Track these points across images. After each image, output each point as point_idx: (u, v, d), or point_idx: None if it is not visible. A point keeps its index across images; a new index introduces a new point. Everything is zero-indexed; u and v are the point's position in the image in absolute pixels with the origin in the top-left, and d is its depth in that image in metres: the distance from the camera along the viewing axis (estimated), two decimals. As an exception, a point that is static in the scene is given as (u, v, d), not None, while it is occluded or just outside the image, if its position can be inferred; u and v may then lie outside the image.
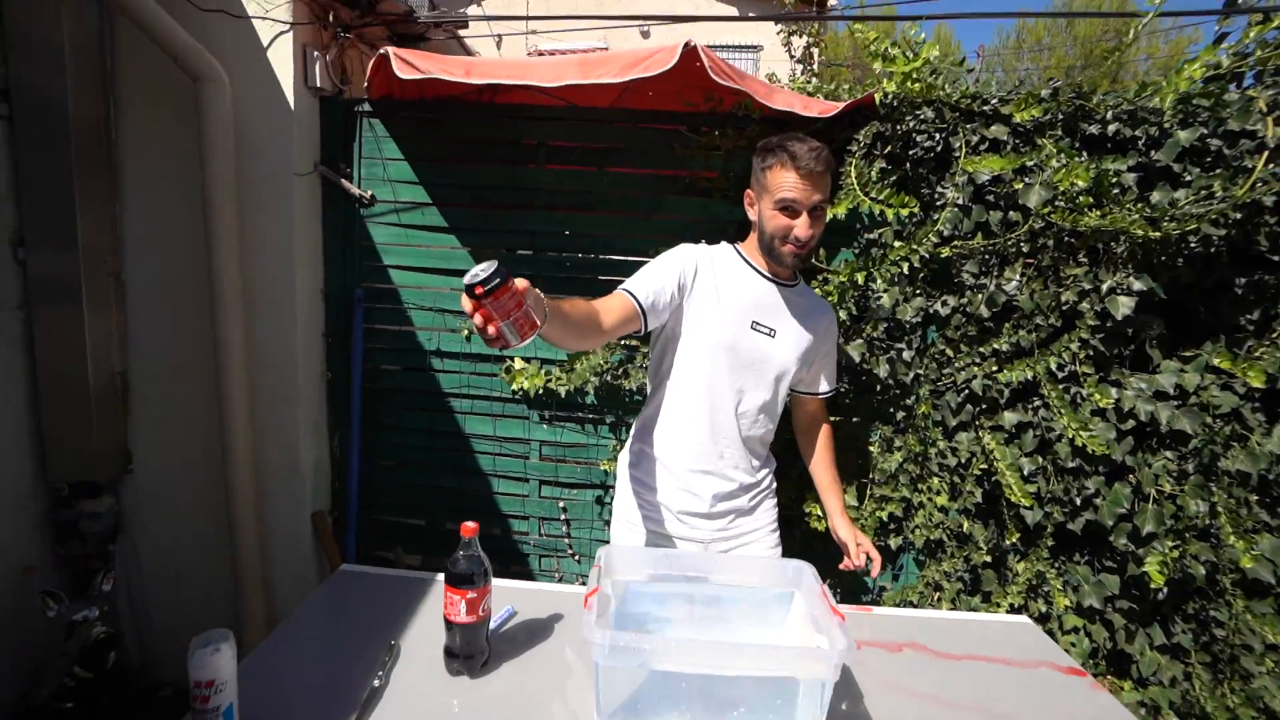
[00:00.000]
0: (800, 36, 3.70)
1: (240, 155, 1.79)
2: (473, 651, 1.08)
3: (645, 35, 9.97)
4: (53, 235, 1.74)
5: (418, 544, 2.18)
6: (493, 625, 1.20)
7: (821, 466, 1.56)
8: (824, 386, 1.52)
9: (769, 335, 1.36)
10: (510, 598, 1.31)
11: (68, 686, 1.71)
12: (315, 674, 1.09)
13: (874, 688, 1.14)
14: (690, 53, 1.46)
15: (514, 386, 2.00)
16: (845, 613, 1.39)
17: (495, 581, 1.32)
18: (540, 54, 9.04)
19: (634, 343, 1.97)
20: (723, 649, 0.93)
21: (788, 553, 1.60)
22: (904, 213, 1.67)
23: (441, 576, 1.07)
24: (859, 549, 1.42)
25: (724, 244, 1.44)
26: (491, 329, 0.90)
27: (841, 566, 1.44)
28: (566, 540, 2.13)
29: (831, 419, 1.62)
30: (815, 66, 3.58)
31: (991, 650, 1.31)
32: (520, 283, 0.90)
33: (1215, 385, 1.74)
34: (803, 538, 1.97)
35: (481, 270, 0.88)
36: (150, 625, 2.06)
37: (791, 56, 3.76)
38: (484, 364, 2.07)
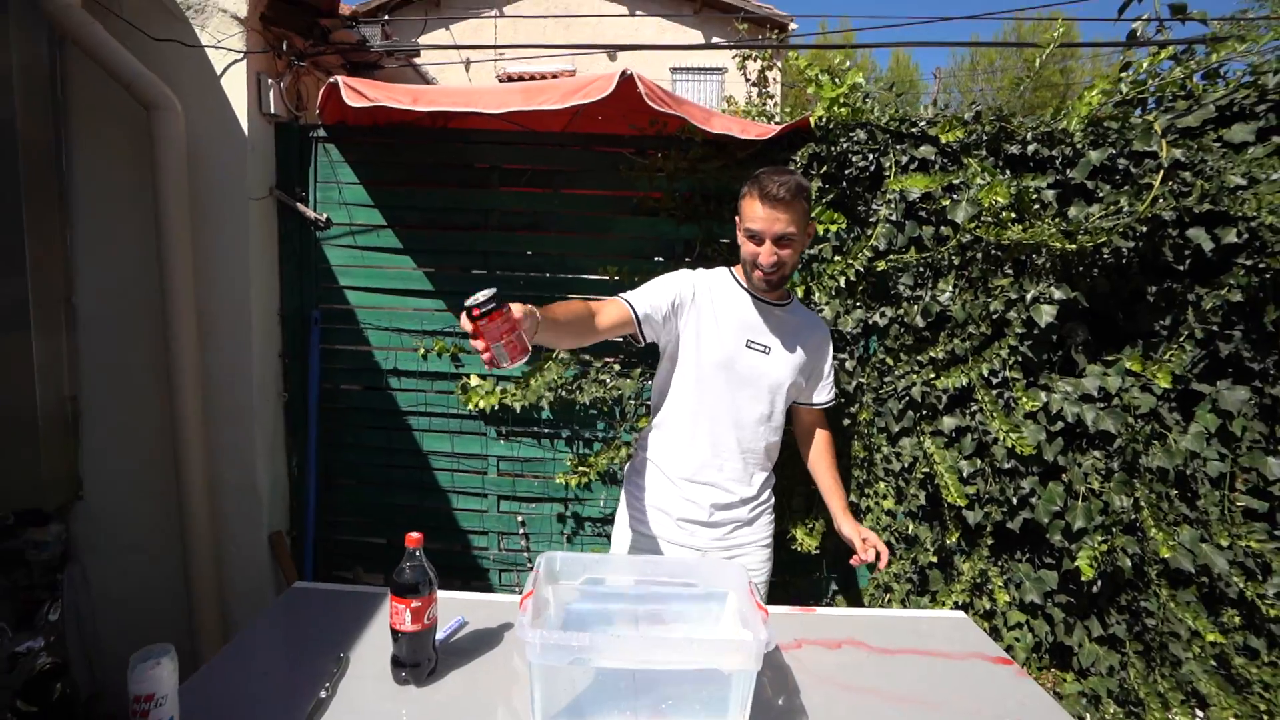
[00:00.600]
0: (755, 60, 3.84)
1: (195, 181, 1.81)
2: (419, 660, 1.11)
3: (612, 59, 10.19)
4: (1, 261, 1.73)
5: (377, 562, 2.18)
6: (443, 635, 1.23)
7: (821, 469, 1.61)
8: (820, 398, 1.59)
9: (763, 352, 1.45)
10: (461, 609, 1.34)
11: (10, 721, 1.66)
12: (262, 687, 1.10)
13: (811, 682, 1.19)
14: (627, 81, 1.54)
15: (470, 407, 2.03)
16: (789, 613, 1.46)
17: (448, 593, 1.35)
18: (509, 78, 9.15)
19: (587, 357, 2.02)
20: (649, 643, 0.97)
21: (778, 560, 1.68)
22: (833, 228, 1.76)
23: None
24: (865, 544, 1.46)
25: (720, 268, 1.54)
26: (484, 350, 1.02)
27: (851, 562, 1.47)
28: (525, 554, 2.15)
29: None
30: (770, 89, 3.71)
31: (926, 644, 1.37)
32: (516, 310, 1.03)
33: (1136, 387, 1.86)
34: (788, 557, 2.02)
35: (480, 295, 1.01)
36: (101, 654, 2.01)
37: (747, 80, 3.90)
38: (441, 382, 2.10)
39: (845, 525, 1.53)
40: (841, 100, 1.77)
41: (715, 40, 9.93)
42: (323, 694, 1.06)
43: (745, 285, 1.48)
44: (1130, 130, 1.80)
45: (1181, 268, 1.81)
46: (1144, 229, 1.73)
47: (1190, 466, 1.86)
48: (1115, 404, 1.86)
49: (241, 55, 1.79)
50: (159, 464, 1.94)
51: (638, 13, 10.33)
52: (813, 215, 1.78)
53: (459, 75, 8.39)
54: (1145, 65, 1.74)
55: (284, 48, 1.90)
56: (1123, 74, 1.82)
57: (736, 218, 1.43)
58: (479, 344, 1.03)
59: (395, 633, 1.09)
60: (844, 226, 1.80)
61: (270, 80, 1.88)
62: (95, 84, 1.79)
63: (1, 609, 1.84)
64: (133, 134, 1.81)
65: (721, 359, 1.43)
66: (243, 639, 1.25)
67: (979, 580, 2.01)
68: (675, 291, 1.42)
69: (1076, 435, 1.93)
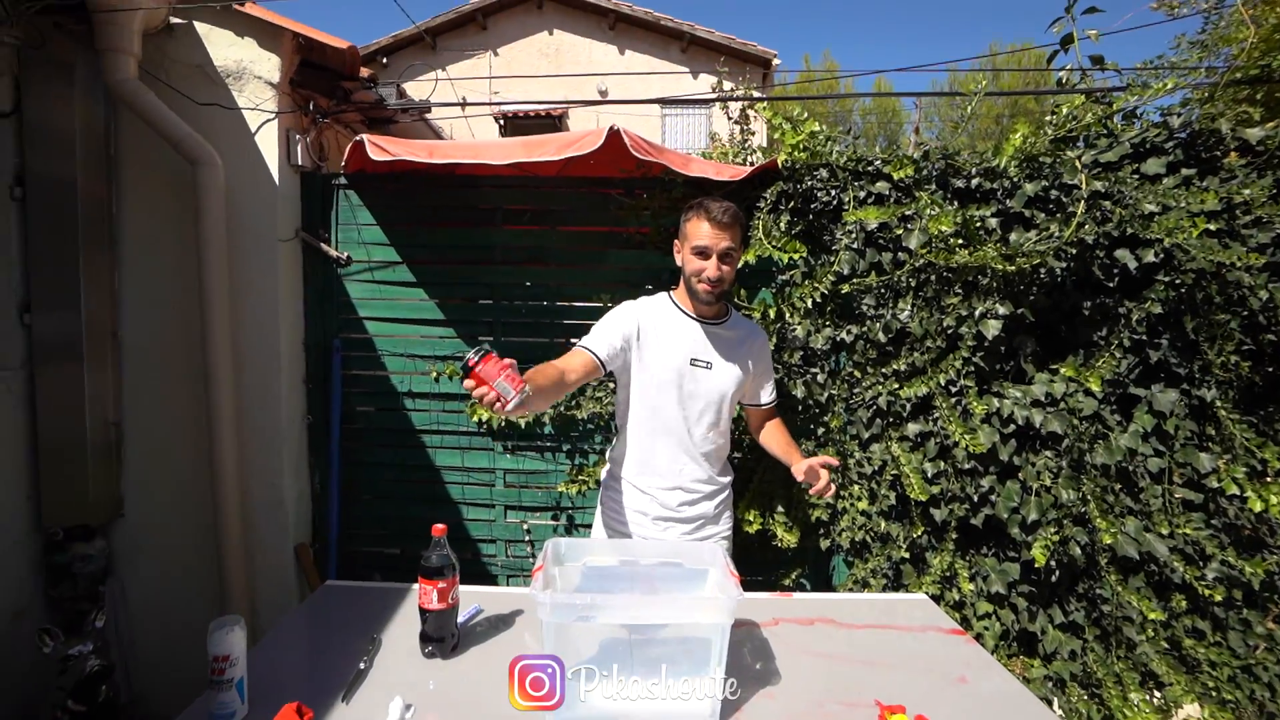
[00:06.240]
0: (736, 101, 4.10)
1: (230, 225, 2.03)
2: (444, 635, 1.29)
3: (603, 93, 10.61)
4: (58, 301, 1.94)
5: (394, 572, 2.34)
6: (461, 619, 1.41)
7: (775, 441, 1.73)
8: (764, 399, 1.77)
9: (707, 368, 1.63)
10: (478, 599, 1.52)
11: None
12: (308, 663, 1.28)
13: (785, 651, 1.37)
14: (614, 135, 1.77)
15: (475, 419, 2.23)
16: (769, 598, 1.64)
17: (466, 587, 1.53)
18: (505, 116, 9.51)
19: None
20: (641, 601, 1.16)
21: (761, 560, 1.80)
22: (796, 257, 1.99)
23: (416, 584, 1.28)
24: (811, 471, 1.51)
25: (661, 295, 1.72)
26: (489, 390, 1.21)
27: (813, 492, 1.52)
28: (531, 560, 2.32)
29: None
30: (752, 126, 3.99)
31: (889, 620, 1.55)
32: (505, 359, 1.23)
33: (1079, 392, 2.07)
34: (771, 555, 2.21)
35: (471, 352, 1.22)
36: (137, 662, 2.16)
37: (729, 118, 4.19)
38: (452, 402, 2.30)
39: (797, 469, 1.56)
40: (801, 146, 2.01)
41: (702, 76, 10.37)
42: (361, 666, 1.24)
43: (684, 309, 1.66)
44: (1061, 165, 2.05)
45: (1111, 284, 2.04)
46: (1074, 251, 1.96)
47: (1132, 463, 2.06)
48: (1061, 407, 2.07)
49: (274, 115, 2.03)
50: (193, 483, 2.12)
51: (627, 51, 10.78)
52: (779, 246, 2.01)
53: (455, 113, 8.75)
54: (1064, 110, 1.99)
55: (310, 107, 2.14)
56: (1048, 117, 2.07)
57: (678, 241, 1.62)
58: (481, 389, 1.21)
59: (424, 612, 1.28)
60: (805, 255, 2.02)
61: (298, 135, 2.12)
62: (142, 141, 2.03)
63: (50, 620, 2.01)
64: (173, 184, 2.04)
65: (669, 379, 1.60)
66: (285, 626, 1.43)
67: (948, 573, 2.18)
68: (623, 326, 1.61)
69: (1030, 437, 2.13)
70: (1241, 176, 1.94)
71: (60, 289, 1.94)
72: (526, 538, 2.32)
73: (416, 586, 1.29)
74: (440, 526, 1.29)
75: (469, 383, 1.21)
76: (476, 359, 1.20)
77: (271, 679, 1.18)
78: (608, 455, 1.79)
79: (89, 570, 2.04)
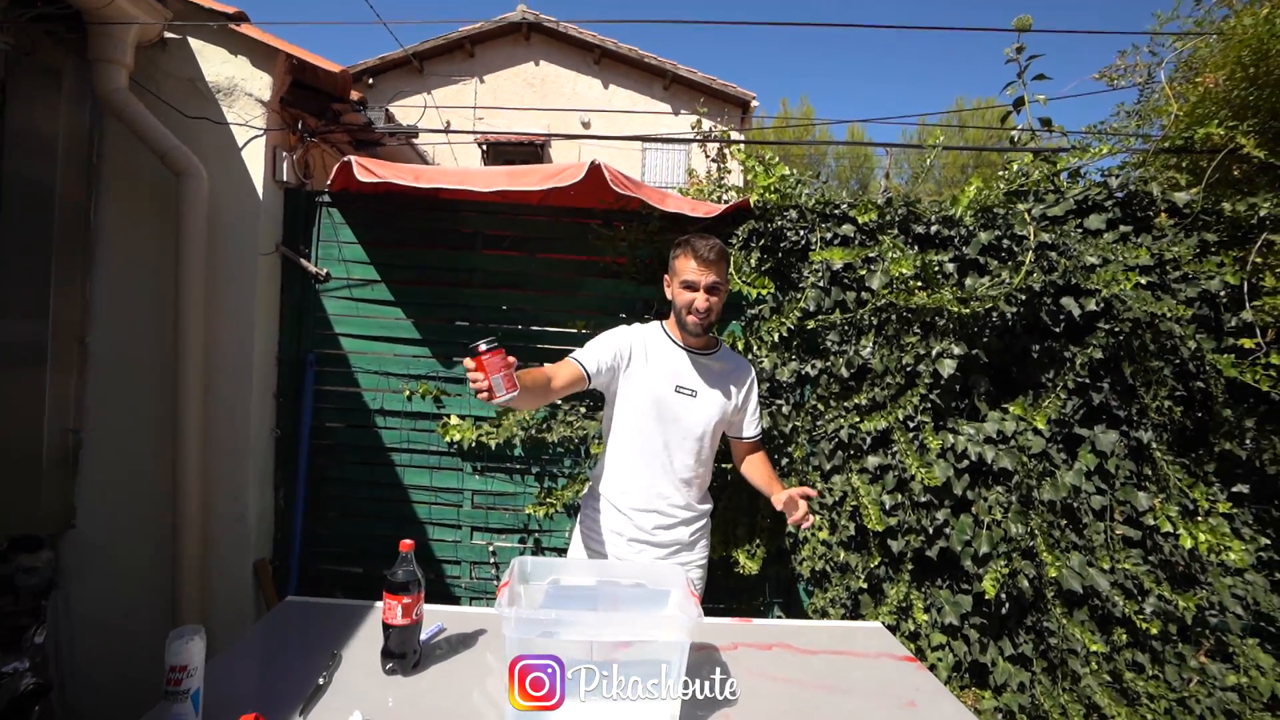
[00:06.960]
0: (714, 139, 4.24)
1: (211, 237, 2.04)
2: (406, 651, 1.29)
3: (586, 125, 10.85)
4: (26, 304, 1.92)
5: (356, 591, 2.30)
6: (424, 637, 1.41)
7: (757, 473, 1.77)
8: (748, 431, 1.80)
9: (691, 396, 1.69)
10: (440, 617, 1.52)
11: (-10, 740, 1.73)
12: (265, 678, 1.27)
13: (744, 675, 1.40)
14: (595, 169, 1.86)
15: (447, 439, 2.24)
16: (728, 623, 1.67)
17: (429, 605, 1.54)
18: (488, 142, 9.63)
19: (557, 400, 2.26)
20: (604, 619, 1.19)
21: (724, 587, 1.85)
22: (764, 293, 2.09)
23: (379, 601, 1.29)
24: (790, 502, 1.57)
25: (654, 323, 1.78)
26: (485, 380, 1.30)
27: (791, 521, 1.58)
28: (496, 582, 2.31)
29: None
30: (728, 164, 4.15)
31: (843, 647, 1.60)
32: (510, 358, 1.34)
33: (1029, 430, 2.18)
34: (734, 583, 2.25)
35: (484, 341, 1.32)
36: (78, 678, 2.08)
37: (707, 156, 4.34)
38: (424, 421, 2.31)
39: (777, 500, 1.62)
40: (772, 188, 2.13)
41: (683, 113, 10.70)
42: (320, 682, 1.23)
43: (674, 338, 1.73)
44: (1013, 217, 2.20)
45: (1058, 330, 2.17)
46: (1023, 297, 2.10)
47: (1076, 500, 2.16)
48: (1012, 445, 2.17)
49: (262, 132, 2.07)
50: (153, 494, 2.07)
51: (611, 85, 11.07)
52: (749, 281, 2.10)
53: (440, 136, 8.83)
54: (1014, 166, 2.15)
55: (299, 126, 2.18)
56: (1000, 172, 2.23)
57: (667, 276, 1.71)
58: (478, 375, 1.29)
59: (387, 627, 1.28)
60: (773, 291, 2.12)
61: (284, 153, 2.15)
62: (126, 150, 2.04)
63: (-16, 634, 1.92)
64: (155, 194, 2.05)
65: (653, 402, 1.66)
66: (244, 642, 1.41)
67: (904, 604, 2.25)
68: (616, 347, 1.67)
69: (982, 472, 2.23)
70: (1171, 235, 2.11)
71: (29, 293, 1.92)
72: (492, 559, 2.32)
73: (378, 603, 1.30)
74: (408, 542, 1.30)
75: (470, 364, 1.30)
76: (488, 349, 1.29)
77: (227, 694, 1.17)
78: (590, 473, 1.83)
79: (32, 583, 1.96)
